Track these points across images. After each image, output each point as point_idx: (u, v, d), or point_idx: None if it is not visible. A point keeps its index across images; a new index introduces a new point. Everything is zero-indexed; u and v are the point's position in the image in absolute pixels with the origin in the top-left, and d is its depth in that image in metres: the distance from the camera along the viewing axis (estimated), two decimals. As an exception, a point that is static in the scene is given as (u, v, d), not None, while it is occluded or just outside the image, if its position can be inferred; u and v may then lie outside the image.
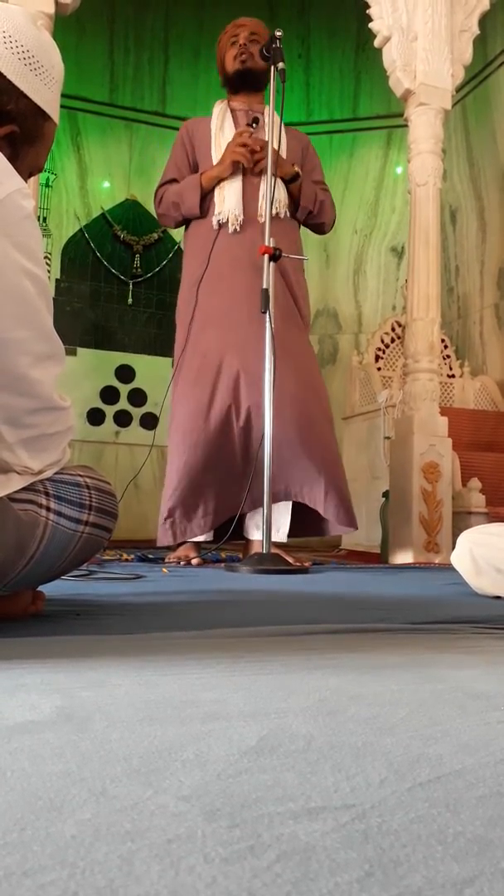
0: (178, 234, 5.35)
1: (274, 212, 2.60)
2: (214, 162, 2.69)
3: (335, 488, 2.57)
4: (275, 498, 2.45)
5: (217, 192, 2.66)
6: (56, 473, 1.05)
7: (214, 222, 2.65)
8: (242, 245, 2.58)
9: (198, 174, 2.70)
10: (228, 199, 2.63)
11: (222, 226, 2.64)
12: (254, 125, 2.70)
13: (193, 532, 2.55)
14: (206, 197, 2.69)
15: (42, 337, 0.94)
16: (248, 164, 2.60)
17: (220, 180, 2.65)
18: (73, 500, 1.04)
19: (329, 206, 2.84)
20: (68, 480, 1.06)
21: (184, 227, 2.85)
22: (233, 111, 2.78)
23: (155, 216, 2.99)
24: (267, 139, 2.50)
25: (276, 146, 2.46)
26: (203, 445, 2.53)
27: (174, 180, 2.76)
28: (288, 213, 2.72)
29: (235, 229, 2.62)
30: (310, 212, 2.77)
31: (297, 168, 2.72)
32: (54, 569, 1.06)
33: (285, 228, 2.67)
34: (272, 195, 2.47)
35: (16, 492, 0.97)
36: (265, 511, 2.27)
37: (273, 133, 2.46)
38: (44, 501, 1.01)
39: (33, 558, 0.99)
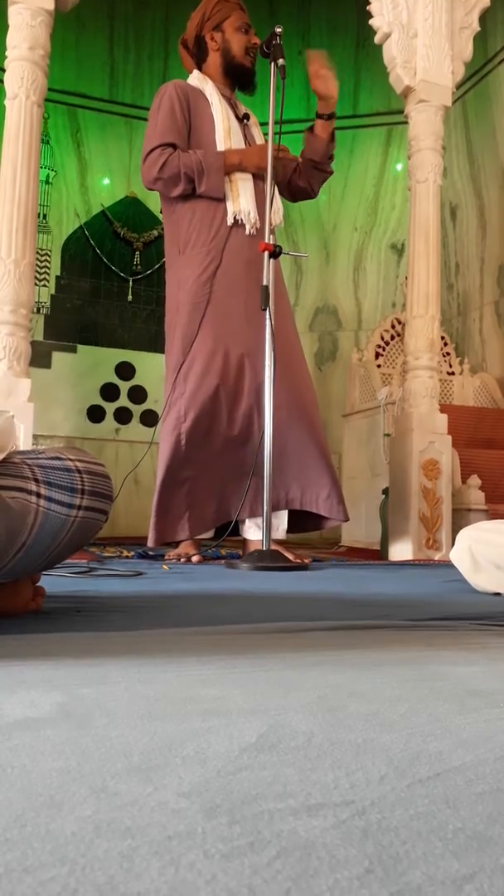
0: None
1: (276, 220, 2.62)
2: (219, 143, 2.61)
3: (333, 485, 2.58)
4: (273, 507, 2.46)
5: (229, 188, 2.62)
6: (45, 458, 1.03)
7: (230, 218, 2.60)
8: (252, 247, 2.56)
9: (219, 154, 2.58)
10: (244, 201, 2.60)
11: (235, 224, 2.61)
12: (246, 121, 2.70)
13: (178, 534, 2.53)
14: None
15: None
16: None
17: (234, 169, 2.60)
18: (64, 485, 1.02)
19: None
20: (58, 466, 1.03)
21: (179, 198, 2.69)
22: (226, 100, 2.74)
23: (155, 212, 2.96)
24: (261, 136, 2.50)
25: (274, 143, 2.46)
26: (194, 444, 2.54)
27: (174, 146, 2.58)
28: (282, 223, 2.79)
29: (252, 232, 2.60)
30: (329, 158, 2.80)
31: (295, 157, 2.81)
32: (48, 555, 1.04)
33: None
34: (272, 194, 2.46)
35: (3, 478, 0.96)
36: (265, 507, 2.28)
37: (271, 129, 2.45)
38: (33, 488, 0.98)
39: (24, 545, 0.97)
